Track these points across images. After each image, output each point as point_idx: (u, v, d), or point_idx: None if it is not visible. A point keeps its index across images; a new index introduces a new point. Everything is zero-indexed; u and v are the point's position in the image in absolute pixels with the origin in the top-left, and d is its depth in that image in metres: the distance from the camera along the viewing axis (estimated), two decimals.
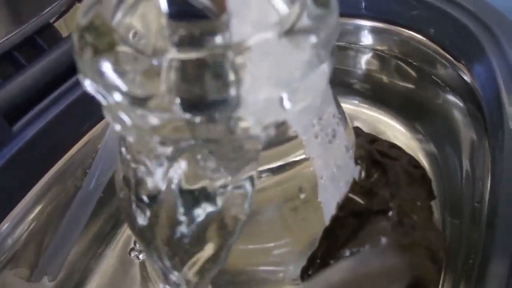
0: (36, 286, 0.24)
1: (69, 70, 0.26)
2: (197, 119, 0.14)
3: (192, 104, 0.13)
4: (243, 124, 0.14)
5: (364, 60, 0.33)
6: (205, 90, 0.13)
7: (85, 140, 0.27)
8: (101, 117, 0.27)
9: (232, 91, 0.13)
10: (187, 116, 0.13)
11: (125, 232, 0.29)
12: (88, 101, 0.26)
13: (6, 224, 0.23)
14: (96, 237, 0.28)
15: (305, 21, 0.14)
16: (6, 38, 0.25)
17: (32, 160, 0.24)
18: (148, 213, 0.17)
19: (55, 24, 0.29)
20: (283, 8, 0.15)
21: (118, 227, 0.29)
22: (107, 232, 0.28)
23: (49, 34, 0.27)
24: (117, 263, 0.27)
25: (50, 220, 0.25)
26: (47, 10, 0.27)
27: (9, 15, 0.26)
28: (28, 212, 0.24)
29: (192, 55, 0.13)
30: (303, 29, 0.14)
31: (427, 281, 0.16)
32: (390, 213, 0.18)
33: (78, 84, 0.26)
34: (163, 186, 0.16)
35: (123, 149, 0.17)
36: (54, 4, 0.27)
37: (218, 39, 0.13)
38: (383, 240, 0.16)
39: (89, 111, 0.26)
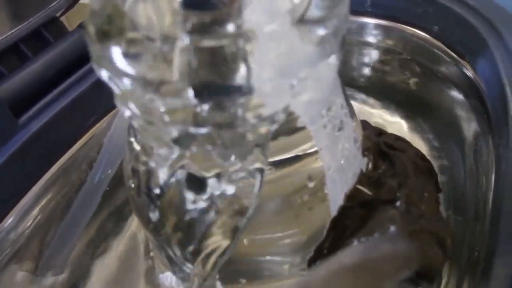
0: (41, 280, 0.24)
1: (74, 63, 0.27)
2: (208, 105, 0.14)
3: (203, 90, 0.13)
4: (253, 110, 0.14)
5: (368, 57, 0.33)
6: (216, 77, 0.13)
7: (91, 133, 0.27)
8: (107, 111, 0.28)
9: (242, 78, 0.13)
10: (198, 102, 0.14)
11: (130, 226, 0.28)
12: (94, 94, 0.26)
13: (11, 217, 0.23)
14: (100, 231, 0.28)
15: (315, 11, 0.14)
16: (13, 31, 0.25)
17: (38, 152, 0.24)
18: (158, 203, 0.17)
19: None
20: None
21: (122, 222, 0.29)
22: (111, 226, 0.28)
23: (55, 28, 0.27)
24: (121, 258, 0.27)
25: (55, 214, 0.25)
26: (53, 4, 0.27)
27: (16, 8, 0.26)
28: (33, 205, 0.24)
29: (204, 42, 0.13)
30: (314, 19, 0.14)
31: (436, 267, 0.16)
32: (398, 203, 0.18)
33: (83, 77, 0.26)
34: (173, 175, 0.16)
35: (133, 139, 0.17)
36: None
37: (230, 27, 0.13)
38: (392, 228, 0.17)
39: (95, 105, 0.26)
